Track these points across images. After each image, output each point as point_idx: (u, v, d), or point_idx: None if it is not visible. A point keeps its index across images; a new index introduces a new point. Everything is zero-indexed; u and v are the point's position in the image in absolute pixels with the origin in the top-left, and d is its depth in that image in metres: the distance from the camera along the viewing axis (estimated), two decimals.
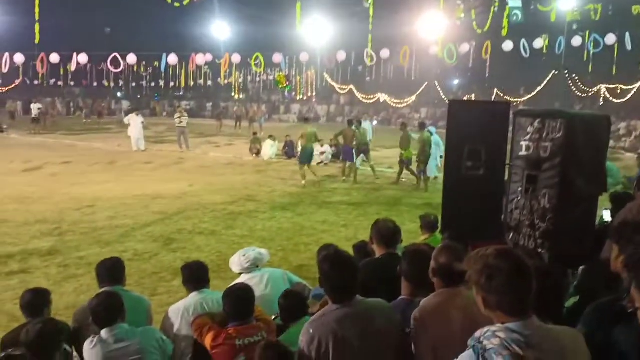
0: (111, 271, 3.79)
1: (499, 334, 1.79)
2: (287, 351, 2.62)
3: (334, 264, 2.56)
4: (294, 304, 3.40)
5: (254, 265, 4.20)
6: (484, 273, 1.86)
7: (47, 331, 2.86)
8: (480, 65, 30.44)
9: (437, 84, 37.92)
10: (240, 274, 4.23)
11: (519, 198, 4.08)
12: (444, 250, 2.66)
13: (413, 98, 38.99)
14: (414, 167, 14.04)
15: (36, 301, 3.52)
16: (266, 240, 8.51)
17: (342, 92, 39.59)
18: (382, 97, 38.75)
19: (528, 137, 4.04)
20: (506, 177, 4.24)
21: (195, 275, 3.78)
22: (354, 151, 14.60)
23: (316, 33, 27.51)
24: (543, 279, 2.46)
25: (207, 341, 3.04)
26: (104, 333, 3.10)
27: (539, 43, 27.53)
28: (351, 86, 38.21)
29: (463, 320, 2.41)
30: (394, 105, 40.27)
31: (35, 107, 27.56)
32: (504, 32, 24.25)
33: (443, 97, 36.58)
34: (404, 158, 14.07)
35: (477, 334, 1.84)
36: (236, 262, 4.23)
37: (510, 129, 4.32)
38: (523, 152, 4.07)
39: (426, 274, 2.67)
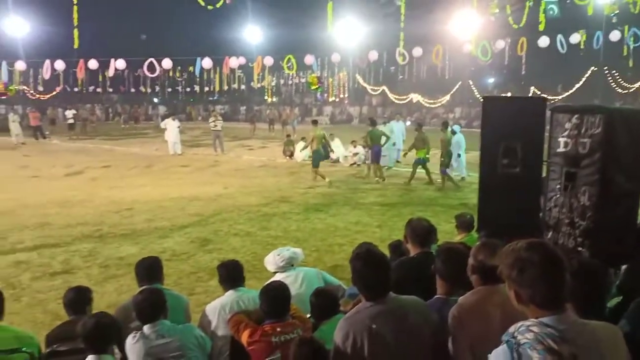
0: (149, 270, 3.88)
1: (533, 328, 1.76)
2: (321, 347, 2.63)
3: (366, 261, 2.57)
4: (325, 303, 3.41)
5: (289, 264, 4.24)
6: (515, 266, 1.83)
7: (103, 324, 2.95)
8: (516, 63, 29.82)
9: (471, 82, 37.35)
10: (275, 272, 4.26)
11: (558, 196, 3.98)
12: (482, 247, 2.63)
13: (447, 97, 38.53)
14: (433, 166, 14.19)
15: (78, 298, 3.64)
16: (300, 240, 8.55)
17: (374, 93, 39.43)
18: (415, 97, 38.43)
19: (566, 133, 3.94)
20: (544, 175, 4.14)
21: (232, 274, 3.85)
22: (380, 151, 14.57)
23: (348, 33, 27.46)
24: (586, 276, 2.41)
25: (244, 338, 3.07)
26: (146, 329, 3.16)
27: (576, 38, 26.73)
28: (383, 87, 38.02)
29: (501, 317, 2.37)
30: (428, 105, 39.89)
31: (70, 114, 28.62)
32: (541, 27, 23.63)
33: (477, 96, 36.00)
34: (420, 158, 14.18)
35: (511, 329, 1.82)
36: (271, 261, 4.27)
37: (548, 126, 4.24)
38: (561, 149, 3.97)
39: (460, 272, 2.64)
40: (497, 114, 4.16)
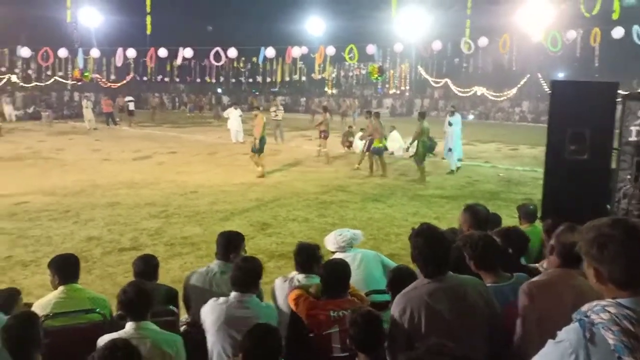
0: (234, 241, 3.98)
1: (609, 308, 1.70)
2: (377, 316, 2.66)
3: (427, 238, 2.58)
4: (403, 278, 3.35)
5: (349, 245, 4.26)
6: (595, 242, 1.76)
7: (144, 291, 3.07)
8: (588, 55, 28.33)
9: (539, 75, 35.88)
10: (335, 252, 4.30)
11: (628, 187, 3.83)
12: (567, 229, 2.58)
13: (513, 91, 37.20)
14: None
15: (146, 266, 3.84)
16: (357, 228, 8.49)
17: (436, 85, 38.66)
18: (480, 90, 37.36)
19: (639, 122, 3.78)
20: (613, 163, 3.99)
21: (307, 260, 3.76)
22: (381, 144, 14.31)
23: (412, 23, 27.02)
24: None
25: (303, 311, 3.14)
26: (233, 296, 3.23)
27: None
28: (446, 79, 37.20)
29: (574, 300, 2.31)
30: (492, 98, 38.69)
31: (131, 103, 29.84)
32: (615, 16, 22.31)
33: (546, 90, 34.57)
34: (376, 146, 13.97)
35: (584, 307, 1.76)
36: (332, 241, 4.31)
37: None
38: (633, 138, 3.81)
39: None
40: (566, 98, 4.03)
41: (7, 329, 2.63)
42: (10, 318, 2.79)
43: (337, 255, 4.17)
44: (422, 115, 14.20)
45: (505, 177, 13.85)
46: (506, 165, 15.99)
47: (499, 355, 2.55)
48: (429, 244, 2.57)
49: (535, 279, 2.56)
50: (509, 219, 8.06)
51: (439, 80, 36.96)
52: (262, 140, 13.65)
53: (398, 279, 3.11)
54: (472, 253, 2.94)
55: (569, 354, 1.72)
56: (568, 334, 1.77)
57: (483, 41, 22.02)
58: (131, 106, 29.23)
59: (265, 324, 2.66)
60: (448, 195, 11.55)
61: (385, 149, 14.22)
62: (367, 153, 14.31)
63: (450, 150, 14.69)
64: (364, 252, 4.33)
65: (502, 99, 38.58)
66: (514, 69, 29.39)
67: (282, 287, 3.63)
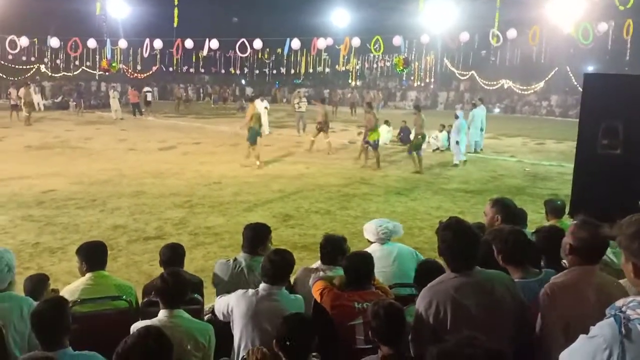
0: (261, 234, 3.98)
1: None
2: (400, 309, 2.64)
3: (456, 232, 2.55)
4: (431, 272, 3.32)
5: (387, 238, 4.18)
6: (636, 237, 1.73)
7: (181, 280, 3.11)
8: (620, 48, 27.55)
9: (568, 69, 35.08)
10: (372, 242, 4.22)
11: None
12: (583, 226, 2.52)
13: (541, 84, 36.49)
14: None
15: (173, 256, 3.88)
16: None
17: (462, 78, 38.14)
18: (507, 83, 36.74)
19: None
20: None
21: (334, 252, 3.76)
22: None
23: (439, 14, 26.62)
24: None
25: (327, 302, 3.13)
26: (264, 288, 3.24)
27: None
28: (472, 72, 36.66)
29: (597, 298, 2.28)
30: (519, 91, 38.01)
31: (149, 93, 30.34)
32: None
33: (575, 83, 33.80)
34: (370, 140, 13.96)
35: (619, 303, 1.72)
36: (372, 231, 4.21)
37: None
38: None
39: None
40: (599, 92, 3.92)
41: (37, 314, 2.68)
42: (40, 303, 2.84)
43: (374, 247, 4.11)
44: (418, 108, 14.59)
45: (531, 171, 13.64)
46: (532, 160, 15.74)
47: (525, 352, 2.51)
48: (457, 237, 2.53)
49: (555, 279, 2.50)
50: (535, 214, 7.94)
51: (465, 72, 36.44)
52: (251, 131, 13.71)
53: (425, 272, 3.08)
54: (502, 247, 2.89)
55: (603, 349, 1.68)
56: (602, 329, 1.73)
57: (512, 33, 21.58)
58: (149, 96, 29.62)
59: (300, 313, 2.67)
60: (472, 190, 11.42)
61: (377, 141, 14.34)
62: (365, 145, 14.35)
63: (457, 143, 14.77)
64: (400, 247, 4.25)
65: (529, 92, 37.87)
66: (542, 62, 28.78)
67: (305, 277, 3.63)
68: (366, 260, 3.27)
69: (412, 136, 18.27)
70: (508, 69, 34.28)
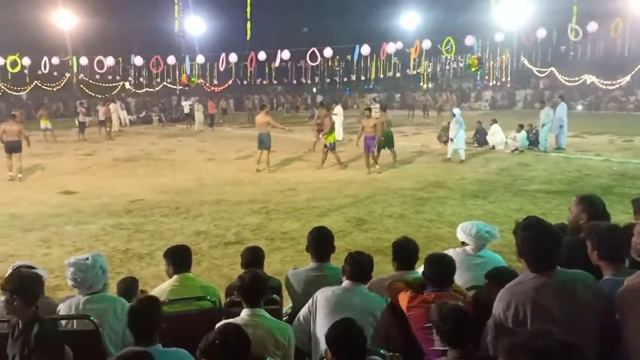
0: (328, 241, 4.26)
1: None
2: (466, 313, 2.61)
3: (539, 232, 2.48)
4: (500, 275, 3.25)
5: (483, 244, 3.95)
6: None
7: (261, 279, 3.24)
8: None
9: None
10: (464, 244, 4.00)
11: None
12: None
13: (627, 78, 34.23)
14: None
15: (253, 259, 4.04)
16: (455, 225, 8.27)
17: (541, 75, 36.54)
18: (589, 78, 34.80)
19: None
20: None
21: (407, 258, 3.78)
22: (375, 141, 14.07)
23: (513, 11, 25.73)
24: None
25: (403, 303, 3.14)
26: (345, 285, 3.41)
27: None
28: (552, 68, 35.04)
29: None
30: (604, 87, 35.88)
31: (186, 105, 31.34)
32: None
33: None
34: (326, 142, 14.51)
35: None
36: (465, 233, 3.97)
37: None
38: None
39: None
40: None
41: (133, 312, 2.90)
42: (136, 302, 3.07)
43: (466, 255, 3.91)
44: (384, 108, 16.08)
45: (619, 170, 12.86)
46: (620, 158, 14.83)
47: (610, 353, 2.40)
48: (538, 237, 2.46)
49: (629, 281, 2.38)
50: (623, 215, 7.47)
51: (543, 69, 34.90)
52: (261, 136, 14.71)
53: (494, 273, 3.05)
54: (598, 244, 2.76)
55: None
56: None
57: (592, 26, 20.45)
58: (186, 109, 30.73)
59: (348, 318, 2.70)
60: (555, 191, 10.94)
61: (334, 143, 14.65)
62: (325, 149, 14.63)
63: (451, 140, 15.37)
64: (491, 256, 3.96)
65: (614, 87, 35.64)
66: (625, 55, 26.99)
67: (380, 284, 3.66)
68: (450, 262, 3.23)
69: (489, 137, 17.84)
70: (590, 64, 32.41)
